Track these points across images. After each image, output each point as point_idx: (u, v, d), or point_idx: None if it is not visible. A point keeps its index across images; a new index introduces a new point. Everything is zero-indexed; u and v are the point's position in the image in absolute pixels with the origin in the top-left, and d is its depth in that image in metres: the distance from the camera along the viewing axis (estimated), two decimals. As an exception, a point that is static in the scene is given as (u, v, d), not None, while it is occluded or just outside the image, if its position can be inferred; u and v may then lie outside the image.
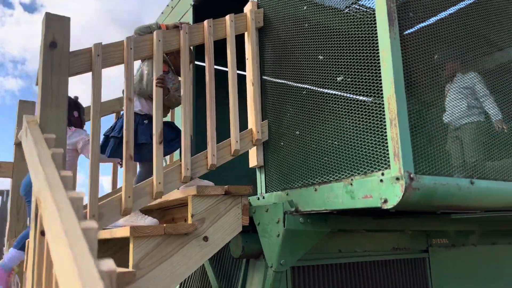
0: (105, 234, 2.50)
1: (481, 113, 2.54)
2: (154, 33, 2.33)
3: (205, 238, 2.36)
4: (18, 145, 3.38)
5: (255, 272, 2.67)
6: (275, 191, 2.56)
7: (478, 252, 3.78)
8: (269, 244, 2.35)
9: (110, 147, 2.61)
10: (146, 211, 3.46)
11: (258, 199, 2.69)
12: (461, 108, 2.35)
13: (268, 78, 2.79)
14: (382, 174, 1.82)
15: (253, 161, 2.70)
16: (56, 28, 1.95)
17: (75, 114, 3.21)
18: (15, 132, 3.57)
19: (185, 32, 2.42)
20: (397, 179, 1.74)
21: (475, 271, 3.67)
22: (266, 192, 2.65)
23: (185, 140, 2.31)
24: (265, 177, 2.68)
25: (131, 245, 2.16)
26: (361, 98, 2.05)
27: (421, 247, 3.42)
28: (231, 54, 2.59)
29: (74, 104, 3.24)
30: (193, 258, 2.28)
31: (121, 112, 3.32)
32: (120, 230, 2.23)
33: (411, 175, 1.72)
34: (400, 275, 3.23)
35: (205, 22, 2.55)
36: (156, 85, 2.29)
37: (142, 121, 2.60)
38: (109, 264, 0.98)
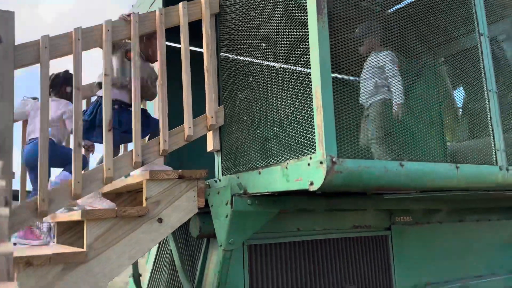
0: (63, 218, 2.63)
1: (390, 91, 2.54)
2: (103, 23, 2.40)
3: (160, 220, 2.48)
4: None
5: (213, 250, 2.81)
6: (229, 174, 2.66)
7: (444, 230, 3.89)
8: (219, 224, 2.47)
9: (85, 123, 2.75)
10: (117, 194, 3.60)
11: (216, 182, 2.80)
12: (369, 87, 2.37)
13: (225, 64, 2.86)
14: (310, 158, 1.92)
15: (210, 145, 2.80)
16: (0, 24, 2.03)
17: (68, 89, 3.26)
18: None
19: (135, 21, 2.49)
20: (321, 163, 1.83)
21: (440, 249, 3.79)
22: (222, 175, 2.76)
23: (135, 127, 2.41)
24: (221, 161, 2.78)
25: (85, 227, 2.28)
26: (298, 86, 2.13)
27: (383, 225, 3.53)
28: (183, 42, 2.65)
29: (64, 79, 3.27)
30: (146, 239, 2.41)
31: (92, 98, 3.42)
32: (75, 213, 2.36)
33: (333, 159, 1.82)
34: (361, 253, 3.36)
35: (157, 10, 2.60)
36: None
37: (114, 106, 2.70)
38: (8, 247, 1.10)
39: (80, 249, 2.27)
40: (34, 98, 3.34)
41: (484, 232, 4.14)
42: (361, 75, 2.32)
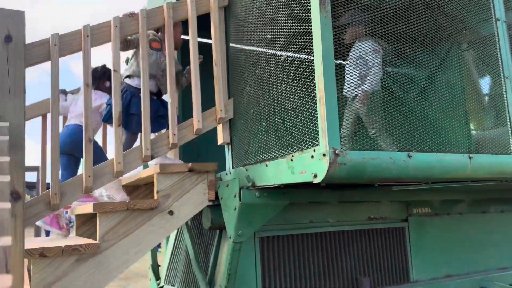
0: (78, 210, 2.71)
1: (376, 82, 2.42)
2: (112, 19, 2.43)
3: (171, 212, 2.52)
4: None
5: (225, 242, 2.84)
6: (239, 167, 2.67)
7: (465, 221, 3.79)
8: (228, 216, 2.49)
9: (105, 114, 2.83)
10: (135, 187, 3.67)
11: (227, 174, 2.82)
12: (354, 78, 2.28)
13: (235, 56, 2.85)
14: (314, 150, 1.90)
15: (220, 138, 2.81)
16: (10, 23, 2.09)
17: (106, 83, 3.34)
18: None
19: (143, 17, 2.51)
20: (324, 155, 1.81)
21: (461, 240, 3.70)
22: (232, 168, 2.77)
23: (144, 122, 2.44)
24: (231, 154, 2.79)
25: (97, 220, 2.35)
26: (303, 76, 2.10)
27: (400, 217, 3.47)
28: (192, 35, 2.66)
29: (102, 73, 3.36)
30: (158, 231, 2.46)
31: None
32: (87, 206, 2.42)
33: (336, 151, 1.79)
34: (376, 245, 3.31)
35: (165, 5, 2.62)
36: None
37: (138, 94, 2.78)
38: (4, 240, 1.15)
39: (92, 241, 2.33)
40: (73, 92, 3.45)
41: (508, 223, 4.01)
42: (345, 66, 2.24)
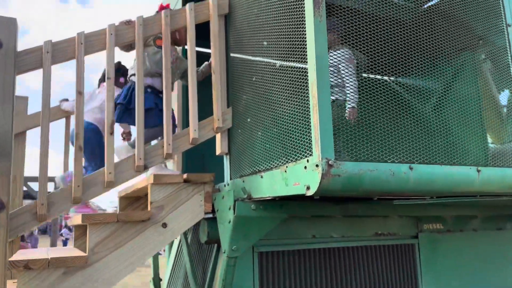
0: (73, 221, 2.65)
1: (342, 91, 2.29)
2: (107, 26, 2.40)
3: (164, 225, 2.43)
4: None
5: (222, 257, 2.73)
6: (236, 178, 2.58)
7: (480, 238, 3.59)
8: (223, 230, 2.39)
9: (116, 113, 2.81)
10: (137, 198, 3.61)
11: (225, 186, 2.72)
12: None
13: (234, 64, 2.78)
14: (307, 161, 1.79)
15: (218, 148, 2.73)
16: (2, 30, 2.06)
17: (121, 80, 3.41)
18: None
19: (139, 24, 2.47)
20: (317, 166, 1.71)
21: (475, 258, 3.50)
22: (230, 179, 2.68)
23: (138, 129, 2.38)
24: (229, 164, 2.70)
25: (87, 231, 2.28)
26: (299, 84, 2.01)
27: (409, 233, 3.30)
28: (190, 44, 2.61)
29: (117, 70, 3.35)
30: (150, 245, 2.37)
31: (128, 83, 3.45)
32: (77, 217, 2.36)
33: (330, 162, 1.68)
34: (384, 262, 3.15)
35: (162, 12, 2.58)
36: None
37: (146, 89, 2.75)
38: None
39: (81, 253, 2.26)
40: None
41: (527, 242, 3.78)
42: None
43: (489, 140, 2.72)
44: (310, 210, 2.51)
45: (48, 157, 2.15)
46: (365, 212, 2.83)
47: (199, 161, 4.07)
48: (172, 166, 3.68)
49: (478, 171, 2.02)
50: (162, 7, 3.06)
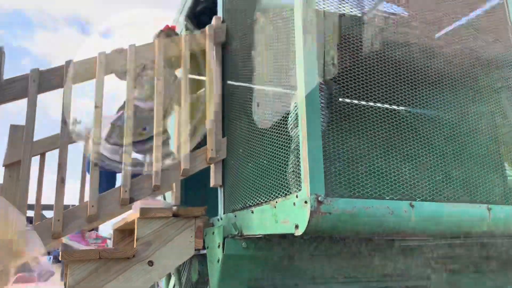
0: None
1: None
2: (97, 55, 2.34)
3: (150, 263, 2.28)
4: (7, 166, 3.52)
5: (215, 298, 2.54)
6: (229, 212, 2.43)
7: (499, 280, 3.30)
8: (211, 269, 2.22)
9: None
10: (131, 230, 3.46)
11: (218, 220, 2.57)
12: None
13: (232, 93, 2.69)
14: (297, 196, 1.64)
15: (212, 180, 2.59)
16: (-15, 57, 2.02)
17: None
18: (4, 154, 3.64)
19: (131, 53, 2.41)
20: (306, 202, 1.55)
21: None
22: (223, 213, 2.53)
23: (125, 163, 2.27)
24: (223, 197, 2.56)
25: (67, 270, 2.14)
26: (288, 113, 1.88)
27: (421, 274, 3.05)
28: (184, 73, 2.53)
29: None
30: (134, 285, 2.21)
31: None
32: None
33: (319, 198, 1.53)
34: (393, 305, 2.90)
35: (156, 41, 2.52)
36: None
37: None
38: None
39: (60, 293, 2.11)
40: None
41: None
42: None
43: (509, 173, 2.52)
44: (306, 249, 2.33)
45: (28, 191, 2.04)
46: (367, 251, 2.62)
47: (201, 192, 3.92)
48: (171, 197, 3.54)
49: (489, 209, 1.83)
50: (167, 27, 3.02)
